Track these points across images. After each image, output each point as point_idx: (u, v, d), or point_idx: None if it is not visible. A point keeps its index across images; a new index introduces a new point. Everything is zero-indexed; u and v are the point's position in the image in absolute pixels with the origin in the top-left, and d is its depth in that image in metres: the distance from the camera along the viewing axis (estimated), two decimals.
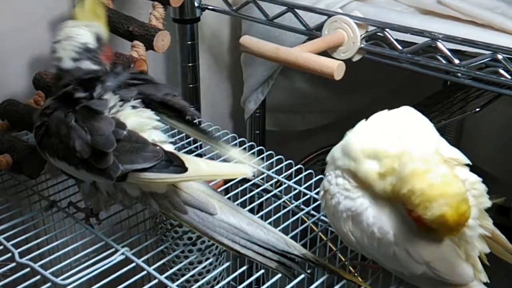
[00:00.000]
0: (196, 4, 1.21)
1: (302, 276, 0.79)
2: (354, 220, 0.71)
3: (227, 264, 0.90)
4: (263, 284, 0.77)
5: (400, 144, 0.67)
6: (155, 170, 0.74)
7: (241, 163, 0.79)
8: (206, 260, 1.03)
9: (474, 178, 0.72)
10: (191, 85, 1.29)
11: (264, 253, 0.79)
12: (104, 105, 0.76)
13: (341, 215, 0.72)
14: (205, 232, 0.79)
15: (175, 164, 0.74)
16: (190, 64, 1.27)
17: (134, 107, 0.79)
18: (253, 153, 1.04)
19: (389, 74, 1.39)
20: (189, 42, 1.25)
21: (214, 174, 0.78)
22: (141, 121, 0.78)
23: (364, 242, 0.71)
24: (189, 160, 0.75)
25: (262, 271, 0.81)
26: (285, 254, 0.79)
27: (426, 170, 0.64)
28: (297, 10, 1.04)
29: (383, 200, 0.69)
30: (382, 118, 0.73)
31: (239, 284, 0.80)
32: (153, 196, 0.79)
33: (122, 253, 0.79)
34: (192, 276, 0.88)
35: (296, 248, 0.80)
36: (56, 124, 0.77)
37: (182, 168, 0.74)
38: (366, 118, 0.74)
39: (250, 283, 0.80)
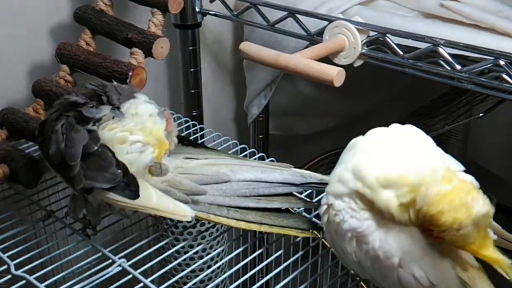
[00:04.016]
0: (197, 9, 1.20)
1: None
2: (359, 241, 0.69)
3: (230, 272, 0.89)
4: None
5: (414, 170, 0.66)
6: (113, 189, 0.77)
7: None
8: (208, 268, 1.02)
9: (469, 177, 0.70)
10: (193, 90, 1.29)
11: (289, 190, 0.84)
12: (93, 112, 0.79)
13: (345, 234, 0.69)
14: (229, 205, 0.81)
15: (130, 188, 0.77)
16: (191, 70, 1.26)
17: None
18: (255, 159, 1.03)
19: (393, 77, 1.38)
20: (191, 48, 1.24)
21: (158, 209, 0.78)
22: (122, 134, 0.79)
23: (366, 264, 0.70)
24: (144, 188, 0.78)
25: (262, 265, 0.83)
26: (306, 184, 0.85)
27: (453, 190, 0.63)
28: (298, 15, 1.03)
29: (390, 223, 0.67)
30: (387, 138, 0.71)
31: None
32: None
33: (119, 265, 0.78)
34: (194, 284, 0.87)
35: (313, 176, 0.85)
36: (48, 126, 0.80)
37: (135, 194, 0.77)
38: (365, 129, 0.73)
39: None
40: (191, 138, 1.11)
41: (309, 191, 0.90)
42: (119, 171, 0.76)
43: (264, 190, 0.83)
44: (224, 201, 0.82)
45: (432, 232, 0.65)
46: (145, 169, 0.81)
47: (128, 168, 0.78)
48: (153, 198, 0.78)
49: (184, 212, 0.79)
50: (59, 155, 0.77)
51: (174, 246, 0.96)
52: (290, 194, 0.85)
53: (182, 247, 0.95)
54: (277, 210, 0.83)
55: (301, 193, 0.87)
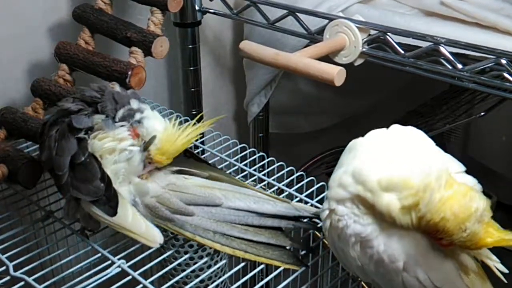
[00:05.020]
0: (197, 8, 1.19)
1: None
2: (363, 246, 0.69)
3: (230, 272, 0.89)
4: None
5: (417, 173, 0.65)
6: (95, 203, 0.77)
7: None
8: (208, 268, 1.02)
9: (471, 179, 0.70)
10: (192, 89, 1.28)
11: (279, 224, 0.83)
12: (83, 122, 0.79)
13: (349, 239, 0.69)
14: (214, 230, 0.81)
15: (110, 204, 0.77)
16: (191, 68, 1.26)
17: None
18: (255, 159, 1.03)
19: (394, 75, 1.38)
20: (190, 46, 1.23)
21: (131, 231, 0.78)
22: (111, 144, 0.79)
23: (369, 268, 0.69)
24: (123, 206, 0.78)
25: (262, 266, 0.83)
26: (298, 218, 0.84)
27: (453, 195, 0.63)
28: (298, 14, 1.03)
29: (393, 227, 0.67)
30: (387, 140, 0.70)
31: None
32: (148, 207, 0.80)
33: (118, 266, 0.78)
34: (194, 284, 0.87)
35: (306, 210, 0.85)
36: (46, 130, 0.81)
37: (113, 211, 0.77)
38: (366, 127, 0.72)
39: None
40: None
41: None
42: (102, 185, 0.77)
43: (253, 220, 0.82)
44: (211, 226, 0.81)
45: (442, 241, 0.65)
46: (139, 167, 0.80)
47: (114, 178, 0.78)
48: (128, 218, 0.78)
49: (153, 238, 0.79)
50: (50, 162, 0.79)
51: (173, 246, 0.95)
52: (279, 229, 0.84)
53: (182, 247, 0.95)
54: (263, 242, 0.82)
55: (293, 228, 0.86)
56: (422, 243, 0.67)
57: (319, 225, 0.84)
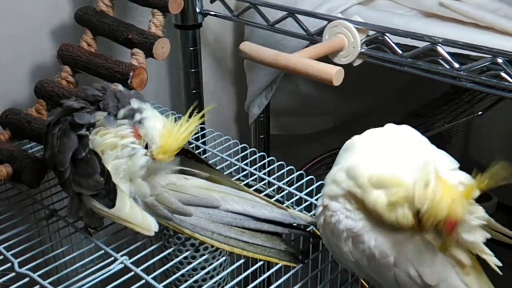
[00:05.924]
0: (197, 10, 1.20)
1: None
2: (354, 241, 0.69)
3: (231, 268, 0.90)
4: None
5: (407, 171, 0.66)
6: (96, 196, 0.78)
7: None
8: (209, 265, 1.02)
9: (464, 175, 0.70)
10: (194, 91, 1.29)
11: (275, 229, 0.84)
12: (85, 118, 0.80)
13: (342, 234, 0.70)
14: (212, 230, 0.82)
15: (109, 197, 0.78)
16: (192, 70, 1.27)
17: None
18: (255, 158, 1.04)
19: (394, 76, 1.39)
20: (191, 48, 1.25)
21: (128, 221, 0.79)
22: (112, 140, 0.79)
23: (363, 262, 0.70)
24: (121, 198, 0.79)
25: (262, 262, 0.83)
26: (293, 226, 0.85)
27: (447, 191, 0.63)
28: (297, 15, 1.04)
29: (384, 223, 0.67)
30: (381, 138, 0.71)
31: None
32: (147, 205, 0.81)
33: (121, 262, 0.79)
34: (196, 281, 0.87)
35: (302, 218, 0.86)
36: (49, 129, 0.82)
37: (112, 203, 0.78)
38: (366, 129, 0.73)
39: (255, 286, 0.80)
40: (192, 137, 1.11)
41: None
42: (101, 178, 0.77)
43: (250, 224, 0.83)
44: (208, 226, 0.82)
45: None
46: (141, 172, 0.81)
47: (115, 173, 0.79)
48: (126, 209, 0.79)
49: (149, 227, 0.80)
50: (53, 160, 0.80)
51: (175, 244, 0.96)
52: (275, 234, 0.85)
53: (184, 245, 0.96)
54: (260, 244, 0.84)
55: (289, 233, 0.87)
56: (414, 240, 0.67)
57: (314, 232, 0.86)
